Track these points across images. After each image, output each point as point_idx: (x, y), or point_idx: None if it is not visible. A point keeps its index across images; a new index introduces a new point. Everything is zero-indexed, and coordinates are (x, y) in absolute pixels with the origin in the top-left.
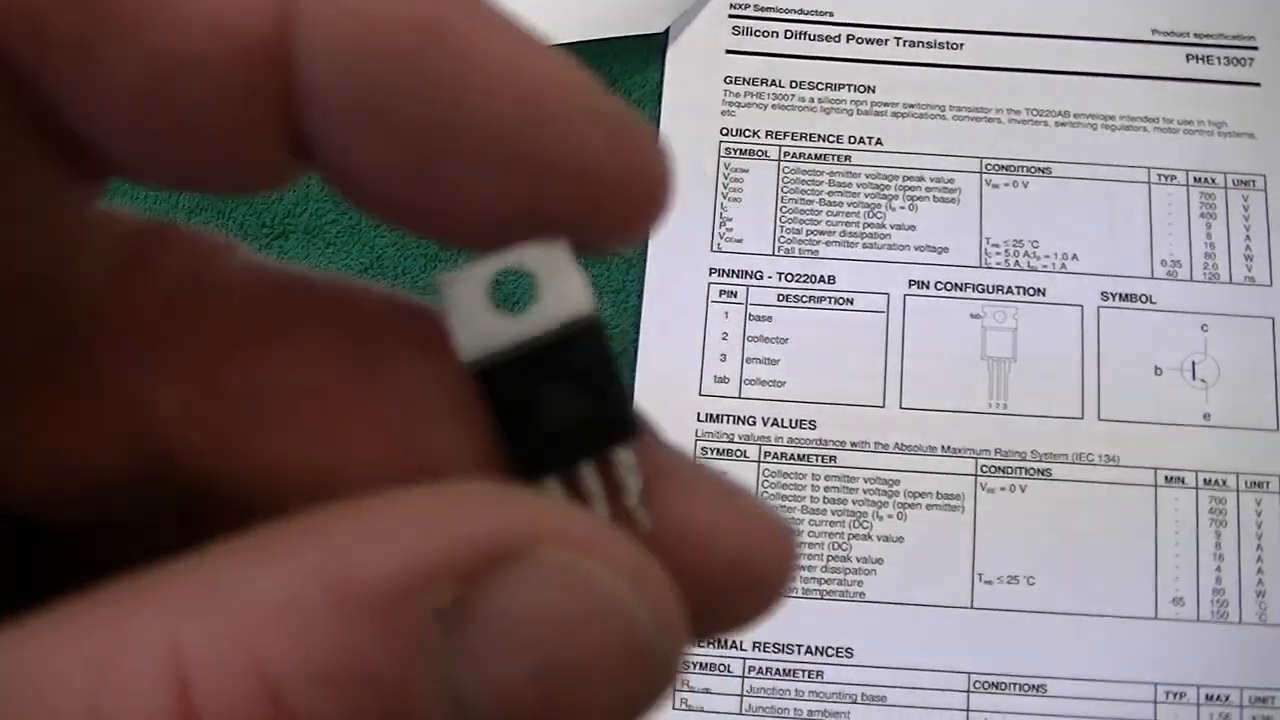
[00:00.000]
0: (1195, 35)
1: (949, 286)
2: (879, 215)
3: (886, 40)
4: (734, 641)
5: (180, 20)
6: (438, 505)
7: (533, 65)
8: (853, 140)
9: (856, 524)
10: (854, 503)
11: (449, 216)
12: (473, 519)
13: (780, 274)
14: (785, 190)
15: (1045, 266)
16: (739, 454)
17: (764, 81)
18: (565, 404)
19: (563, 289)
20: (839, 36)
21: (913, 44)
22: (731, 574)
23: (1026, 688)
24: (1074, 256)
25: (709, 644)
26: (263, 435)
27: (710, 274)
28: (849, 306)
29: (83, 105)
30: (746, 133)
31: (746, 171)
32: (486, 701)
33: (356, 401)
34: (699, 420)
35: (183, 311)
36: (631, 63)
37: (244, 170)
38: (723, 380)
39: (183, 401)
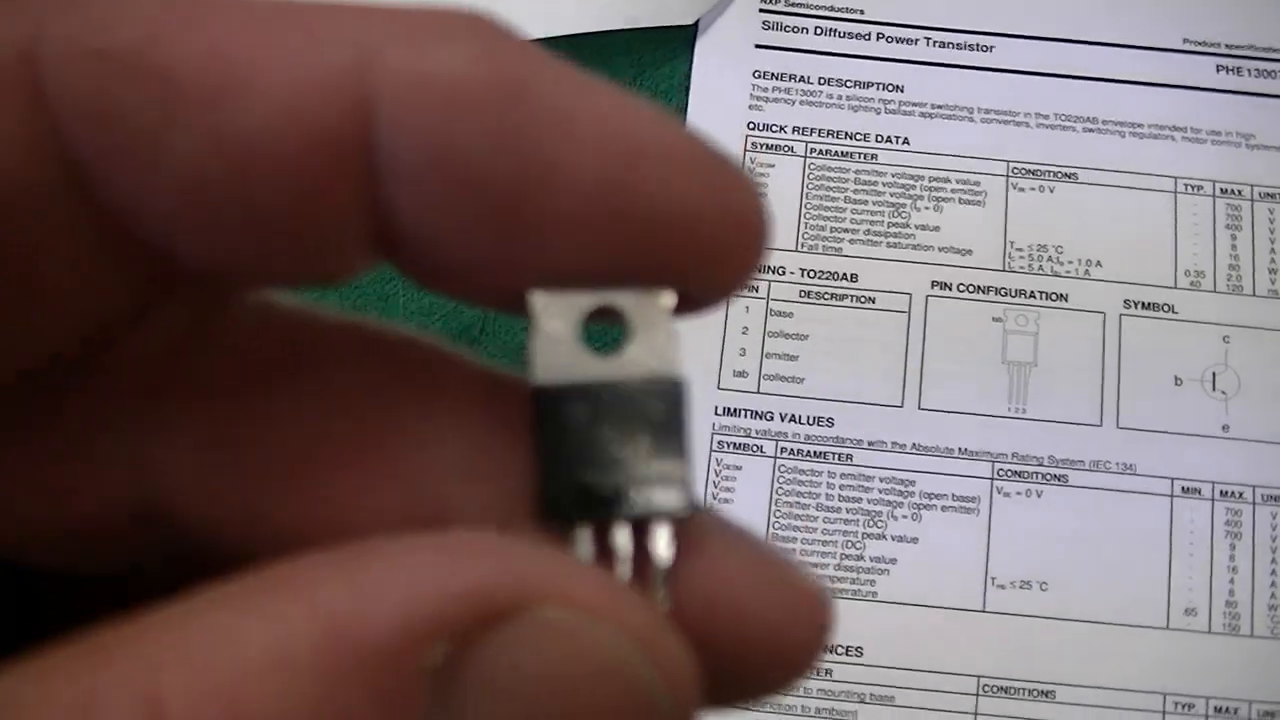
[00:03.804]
0: (1227, 46)
1: (971, 289)
2: (903, 215)
3: (916, 40)
4: None
5: (253, 103)
6: (434, 556)
7: (623, 116)
8: (879, 139)
9: (871, 523)
10: (869, 502)
11: (539, 283)
12: (470, 572)
13: (803, 270)
14: (810, 187)
15: (1068, 272)
16: (755, 449)
17: (792, 77)
18: (622, 458)
19: (656, 342)
20: (869, 35)
21: (942, 45)
22: (761, 644)
23: (1036, 693)
24: (1097, 263)
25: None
26: (267, 489)
27: None
28: (870, 305)
29: (152, 197)
30: (773, 128)
31: (772, 166)
32: None
33: (368, 451)
34: (716, 414)
35: (187, 359)
36: (660, 54)
37: (319, 264)
38: (741, 375)
39: (184, 454)
